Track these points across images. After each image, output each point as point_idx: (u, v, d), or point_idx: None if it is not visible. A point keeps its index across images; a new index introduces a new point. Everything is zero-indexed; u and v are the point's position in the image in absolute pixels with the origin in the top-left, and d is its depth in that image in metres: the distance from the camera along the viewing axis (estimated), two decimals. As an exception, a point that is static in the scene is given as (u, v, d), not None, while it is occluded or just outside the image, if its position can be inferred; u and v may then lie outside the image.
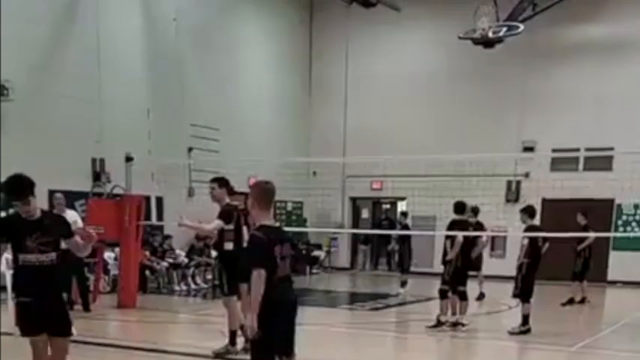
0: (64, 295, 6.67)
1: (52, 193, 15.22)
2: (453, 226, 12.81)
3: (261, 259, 5.97)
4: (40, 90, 16.74)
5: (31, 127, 16.49)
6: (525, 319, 12.63)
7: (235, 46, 22.87)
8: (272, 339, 6.05)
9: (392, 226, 23.02)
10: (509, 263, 14.11)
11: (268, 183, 6.31)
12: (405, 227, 19.38)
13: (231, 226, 10.03)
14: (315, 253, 24.73)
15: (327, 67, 25.81)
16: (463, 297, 12.94)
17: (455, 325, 12.81)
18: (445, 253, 12.85)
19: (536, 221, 13.49)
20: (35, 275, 6.37)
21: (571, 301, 16.84)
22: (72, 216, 13.96)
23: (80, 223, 13.85)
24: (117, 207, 15.09)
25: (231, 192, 10.38)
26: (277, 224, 6.42)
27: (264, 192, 6.19)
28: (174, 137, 19.98)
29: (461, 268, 12.87)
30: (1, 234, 6.54)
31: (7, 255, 8.00)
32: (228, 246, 10.09)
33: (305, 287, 19.78)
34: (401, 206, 25.09)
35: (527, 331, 12.54)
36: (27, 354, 6.50)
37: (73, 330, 6.66)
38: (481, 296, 17.03)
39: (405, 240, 19.01)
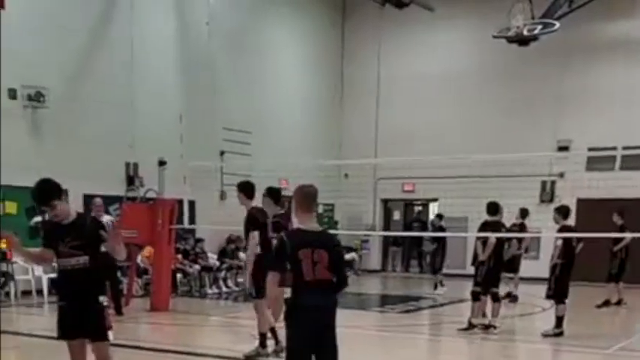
0: (102, 298, 6.46)
1: (87, 197, 15.48)
2: (486, 227, 12.71)
3: (277, 261, 6.09)
4: (74, 96, 17.00)
5: (66, 133, 16.77)
6: (559, 321, 12.46)
7: (267, 49, 22.96)
8: (299, 342, 6.08)
9: (423, 228, 22.94)
10: (543, 264, 13.95)
11: (310, 187, 6.36)
12: (440, 229, 19.29)
13: (256, 232, 10.03)
14: (347, 256, 24.67)
15: (359, 68, 25.81)
16: (496, 299, 12.83)
17: (487, 327, 12.71)
18: (476, 255, 12.75)
19: (571, 221, 13.30)
20: (69, 279, 6.40)
21: (607, 303, 16.61)
22: (107, 220, 14.17)
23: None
24: (150, 211, 15.21)
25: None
26: (318, 229, 6.37)
27: (304, 196, 6.26)
28: (206, 141, 20.11)
29: (494, 270, 12.76)
30: (42, 239, 6.62)
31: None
32: (258, 249, 10.08)
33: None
34: (433, 208, 25.00)
35: (561, 334, 12.39)
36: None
37: (110, 334, 6.51)
38: (513, 299, 16.87)
39: (439, 242, 18.91)
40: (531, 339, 12.55)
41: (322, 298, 6.14)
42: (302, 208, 6.22)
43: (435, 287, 18.71)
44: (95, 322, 6.40)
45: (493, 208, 12.85)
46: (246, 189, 10.26)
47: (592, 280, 17.74)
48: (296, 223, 6.47)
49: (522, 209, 15.94)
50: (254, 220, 10.05)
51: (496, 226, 12.88)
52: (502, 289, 13.68)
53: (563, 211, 12.79)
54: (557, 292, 12.49)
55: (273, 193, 10.33)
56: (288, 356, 6.20)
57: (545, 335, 12.41)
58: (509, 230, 13.90)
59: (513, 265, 16.24)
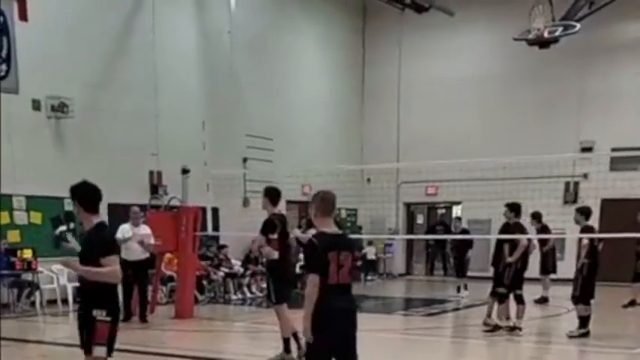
0: (95, 312, 6.13)
1: (111, 206, 15.59)
2: (510, 228, 12.69)
3: (314, 264, 6.18)
4: (98, 106, 17.16)
5: (89, 142, 16.94)
6: (583, 321, 12.41)
7: (288, 55, 23.08)
8: (323, 346, 6.15)
9: (447, 231, 22.90)
10: (568, 265, 13.90)
11: (327, 193, 6.53)
12: (464, 232, 19.29)
13: (275, 236, 10.09)
14: (371, 255, 24.74)
15: (380, 73, 25.86)
16: (520, 301, 12.80)
17: (512, 329, 12.68)
18: (496, 256, 12.76)
19: (592, 221, 13.23)
20: (79, 289, 6.58)
21: (632, 303, 16.49)
22: (145, 229, 14.44)
23: (152, 240, 14.20)
24: (174, 219, 15.32)
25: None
26: (339, 232, 6.55)
27: (322, 201, 6.42)
28: (229, 148, 20.23)
29: (520, 272, 12.76)
30: None
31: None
32: (274, 255, 10.18)
33: (361, 293, 19.81)
34: (456, 211, 24.94)
35: (587, 334, 12.34)
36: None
37: (96, 350, 6.14)
38: (543, 300, 16.81)
39: (461, 245, 18.88)
40: (557, 340, 12.55)
41: (348, 302, 6.33)
42: (322, 213, 6.37)
43: (459, 290, 18.66)
44: (86, 335, 6.25)
45: (517, 209, 12.84)
46: (272, 194, 10.30)
47: (618, 281, 17.62)
48: (317, 227, 6.50)
49: (535, 213, 15.85)
50: (272, 226, 10.12)
51: (522, 228, 12.89)
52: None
53: (584, 212, 12.74)
54: (584, 293, 12.42)
55: (271, 193, 10.32)
56: (309, 356, 6.32)
57: (571, 336, 12.36)
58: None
59: (549, 267, 16.29)
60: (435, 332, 13.92)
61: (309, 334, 6.09)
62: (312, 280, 6.12)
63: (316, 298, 6.09)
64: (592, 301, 12.56)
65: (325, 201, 6.42)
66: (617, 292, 17.14)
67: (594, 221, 21.01)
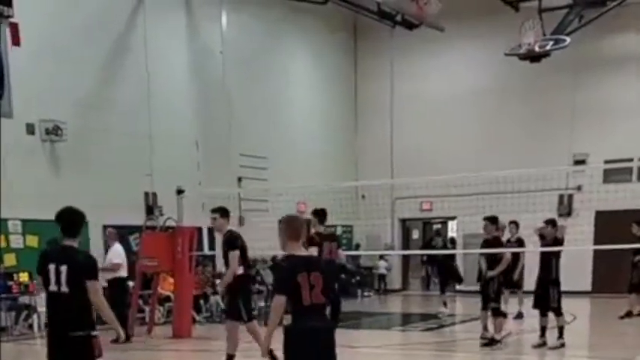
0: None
1: (106, 228, 15.67)
2: (490, 243, 12.81)
3: (282, 286, 6.33)
4: (92, 129, 17.16)
5: (84, 165, 16.95)
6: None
7: (281, 74, 23.16)
8: None
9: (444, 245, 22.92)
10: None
11: (294, 218, 6.72)
12: (444, 248, 19.22)
13: (237, 252, 10.54)
14: (382, 269, 24.85)
15: (373, 89, 25.98)
16: (497, 314, 12.89)
17: (492, 342, 12.76)
18: (481, 272, 12.86)
19: (587, 233, 13.33)
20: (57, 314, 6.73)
21: (629, 314, 16.53)
22: (113, 251, 14.49)
23: (112, 261, 14.28)
24: (170, 239, 15.36)
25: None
26: (308, 254, 6.72)
27: (289, 226, 6.52)
28: (223, 168, 20.26)
29: (501, 286, 12.95)
30: None
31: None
32: (239, 270, 10.58)
33: (358, 310, 19.84)
34: (451, 225, 25.03)
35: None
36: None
37: None
38: (520, 315, 16.77)
39: (440, 260, 18.89)
40: (557, 352, 12.48)
41: (322, 321, 6.41)
42: (290, 238, 6.47)
43: (445, 305, 18.49)
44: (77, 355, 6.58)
45: (497, 222, 12.97)
46: (228, 213, 10.91)
47: (613, 292, 17.67)
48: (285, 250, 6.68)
49: (514, 222, 15.85)
50: (235, 240, 10.58)
51: (501, 242, 13.04)
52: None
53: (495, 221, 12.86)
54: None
55: (227, 213, 10.91)
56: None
57: (553, 348, 12.44)
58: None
59: (518, 281, 16.20)
60: (433, 347, 13.93)
61: (266, 353, 6.38)
62: (278, 301, 6.27)
63: (292, 319, 6.26)
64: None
65: (292, 227, 6.52)
66: (614, 303, 17.18)
67: (590, 232, 21.27)
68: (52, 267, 6.50)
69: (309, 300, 6.25)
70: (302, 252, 6.53)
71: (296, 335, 6.23)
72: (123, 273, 14.52)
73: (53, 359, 6.58)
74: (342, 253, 12.58)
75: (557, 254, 12.56)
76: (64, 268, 6.43)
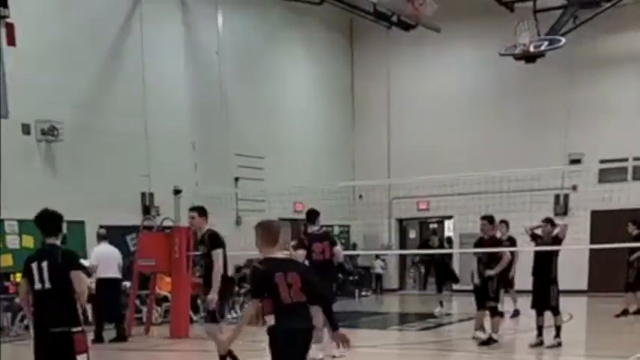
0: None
1: (103, 228, 15.66)
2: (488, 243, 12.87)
3: (258, 290, 6.47)
4: (88, 129, 17.15)
5: (81, 165, 16.92)
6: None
7: (277, 75, 23.18)
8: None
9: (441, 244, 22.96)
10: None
11: (270, 223, 6.74)
12: (441, 247, 19.25)
13: (221, 250, 10.27)
14: (378, 268, 24.87)
15: (369, 90, 26.02)
16: (495, 313, 12.97)
17: (489, 341, 12.81)
18: (473, 273, 12.95)
19: (583, 232, 13.41)
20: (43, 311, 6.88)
21: (625, 312, 16.59)
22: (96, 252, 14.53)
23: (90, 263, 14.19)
24: (167, 239, 15.36)
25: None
26: (284, 256, 6.79)
27: (265, 230, 6.59)
28: (220, 168, 20.29)
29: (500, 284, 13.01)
30: None
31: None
32: (270, 320, 9.95)
33: (355, 309, 19.86)
34: (448, 225, 25.08)
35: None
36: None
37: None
38: (516, 313, 16.81)
39: (437, 260, 18.92)
40: (553, 351, 12.51)
41: (301, 321, 6.48)
42: (265, 243, 6.54)
43: (441, 305, 18.51)
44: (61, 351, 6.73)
45: (494, 222, 13.04)
46: (206, 213, 10.57)
47: (610, 291, 17.71)
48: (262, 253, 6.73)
49: (504, 221, 15.82)
50: (218, 239, 10.30)
51: (499, 241, 13.09)
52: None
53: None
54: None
55: (205, 212, 10.58)
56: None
57: (551, 346, 12.47)
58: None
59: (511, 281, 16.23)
60: (430, 346, 13.96)
61: (225, 351, 6.75)
62: (253, 304, 6.49)
63: (274, 320, 6.33)
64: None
65: (268, 231, 6.59)
66: (610, 302, 17.22)
67: (585, 232, 21.31)
68: (34, 266, 6.69)
69: (289, 299, 6.34)
70: (278, 255, 6.58)
71: (280, 335, 6.34)
72: (103, 274, 14.40)
73: (38, 355, 6.71)
74: (340, 252, 12.27)
75: (557, 253, 12.59)
76: (44, 265, 6.63)
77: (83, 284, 6.74)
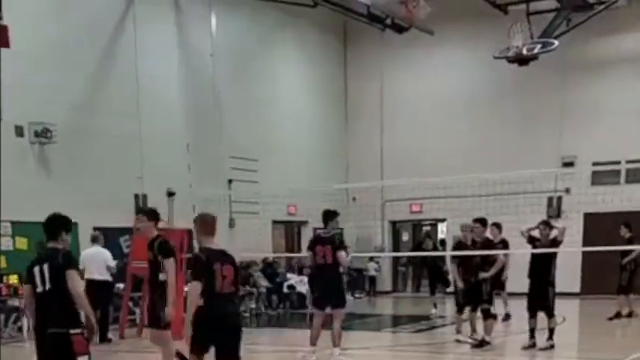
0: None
1: (97, 230, 15.64)
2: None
3: (198, 273, 7.28)
4: (81, 131, 17.11)
5: (74, 167, 16.89)
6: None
7: (271, 77, 23.18)
8: (204, 344, 7.36)
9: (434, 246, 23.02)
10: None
11: (206, 215, 7.70)
12: (435, 250, 19.29)
13: (172, 259, 9.60)
14: (371, 271, 24.91)
15: (363, 92, 26.05)
16: (489, 315, 13.01)
17: (482, 344, 12.84)
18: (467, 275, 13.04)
19: (576, 234, 13.45)
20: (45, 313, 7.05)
21: (618, 315, 16.63)
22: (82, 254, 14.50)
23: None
24: (160, 241, 15.30)
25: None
26: (220, 248, 7.58)
27: (204, 222, 7.60)
28: (214, 170, 20.26)
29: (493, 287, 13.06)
30: None
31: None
32: (163, 277, 9.50)
33: (348, 311, 19.81)
34: (441, 227, 25.11)
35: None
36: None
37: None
38: (507, 317, 16.83)
39: (430, 263, 18.96)
40: (544, 354, 12.54)
41: (232, 308, 7.57)
42: (203, 233, 7.51)
43: (435, 306, 18.52)
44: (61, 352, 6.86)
45: (486, 224, 13.10)
46: (155, 215, 10.09)
47: (602, 293, 17.76)
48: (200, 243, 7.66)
49: (495, 224, 15.80)
50: (170, 248, 9.74)
51: (491, 244, 13.14)
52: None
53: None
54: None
55: (153, 215, 10.07)
56: (193, 345, 7.41)
57: (544, 349, 12.51)
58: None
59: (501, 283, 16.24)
60: (423, 348, 13.96)
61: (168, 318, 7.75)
62: (195, 287, 7.20)
63: (204, 304, 7.21)
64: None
65: (205, 223, 7.58)
66: (602, 304, 17.27)
67: (578, 234, 21.36)
68: (36, 269, 6.85)
69: (221, 288, 7.21)
70: (215, 245, 7.44)
71: (208, 318, 7.15)
72: (88, 275, 14.29)
73: (40, 356, 6.88)
74: (343, 257, 11.70)
75: (555, 255, 12.62)
76: (45, 267, 6.78)
77: (77, 284, 6.81)
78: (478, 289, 12.82)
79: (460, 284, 13.06)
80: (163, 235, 9.96)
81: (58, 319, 6.70)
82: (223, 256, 7.39)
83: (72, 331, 6.69)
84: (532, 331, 12.67)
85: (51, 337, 6.69)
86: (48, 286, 6.73)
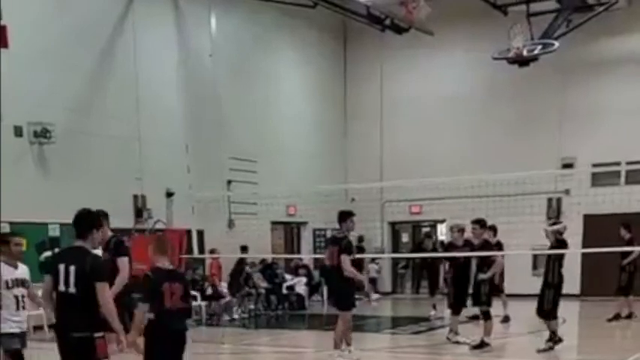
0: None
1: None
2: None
3: (148, 296, 7.67)
4: (80, 131, 17.13)
5: (73, 167, 16.89)
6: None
7: (270, 78, 23.17)
8: (158, 357, 7.73)
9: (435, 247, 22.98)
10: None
11: (162, 235, 8.52)
12: (434, 251, 19.27)
13: (126, 258, 9.77)
14: (373, 273, 24.87)
15: (362, 93, 26.03)
16: (488, 317, 12.99)
17: (481, 345, 12.82)
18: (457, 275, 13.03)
19: (576, 237, 13.42)
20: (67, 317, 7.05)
21: (617, 317, 16.61)
22: None
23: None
24: (159, 242, 15.28)
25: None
26: (170, 267, 8.08)
27: (159, 242, 8.25)
28: (213, 171, 20.25)
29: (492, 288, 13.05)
30: None
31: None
32: (149, 316, 9.42)
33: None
34: (441, 229, 25.07)
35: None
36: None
37: None
38: (506, 319, 16.77)
39: (429, 264, 18.95)
40: (545, 356, 12.51)
41: (181, 324, 7.83)
42: (158, 252, 7.98)
43: (434, 308, 18.50)
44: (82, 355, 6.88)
45: (486, 226, 13.09)
46: (106, 217, 9.81)
47: (602, 295, 17.73)
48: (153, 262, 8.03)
49: (491, 226, 15.68)
50: (124, 247, 9.87)
51: (491, 245, 13.12)
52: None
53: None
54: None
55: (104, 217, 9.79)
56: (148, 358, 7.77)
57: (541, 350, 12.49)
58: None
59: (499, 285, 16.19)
60: (422, 350, 13.96)
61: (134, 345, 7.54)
62: (142, 308, 7.60)
63: (155, 320, 7.64)
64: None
65: (160, 243, 8.18)
66: (602, 306, 17.24)
67: (578, 236, 21.34)
68: (61, 267, 6.73)
69: (170, 304, 7.63)
70: (166, 265, 7.93)
71: (158, 333, 7.58)
72: None
73: (63, 357, 6.83)
74: (345, 261, 11.47)
75: (552, 257, 12.60)
76: (72, 269, 6.66)
77: (108, 300, 6.78)
78: (478, 290, 12.84)
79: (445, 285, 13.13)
80: (118, 236, 10.12)
81: (83, 323, 6.68)
82: (173, 276, 7.95)
83: (96, 335, 6.71)
84: (553, 334, 12.59)
85: (75, 340, 6.67)
86: (72, 290, 6.66)
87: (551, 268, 12.51)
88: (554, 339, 12.51)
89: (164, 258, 7.97)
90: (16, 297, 7.93)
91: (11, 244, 8.14)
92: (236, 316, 18.83)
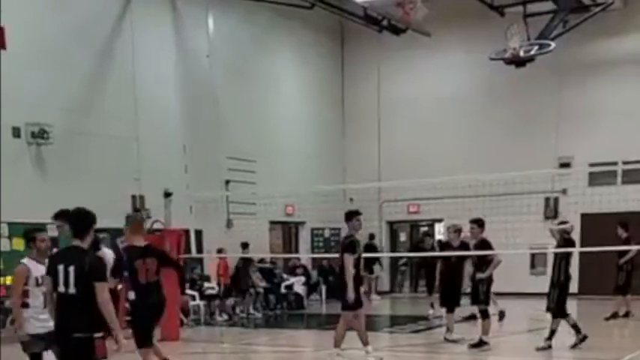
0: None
1: (94, 231, 15.55)
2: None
3: (116, 271, 8.86)
4: (78, 132, 17.11)
5: (71, 168, 16.87)
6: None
7: (268, 78, 23.19)
8: (147, 332, 8.95)
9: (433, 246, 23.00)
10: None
11: (138, 214, 9.51)
12: (432, 249, 19.30)
13: (125, 273, 9.57)
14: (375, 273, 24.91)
15: (360, 93, 26.06)
16: (486, 315, 13.08)
17: (480, 344, 12.86)
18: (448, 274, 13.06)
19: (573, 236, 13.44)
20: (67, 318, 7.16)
21: (615, 316, 16.67)
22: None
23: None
24: (157, 242, 15.23)
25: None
26: (144, 244, 9.06)
27: (135, 222, 9.37)
28: (211, 171, 20.27)
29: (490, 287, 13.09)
30: None
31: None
32: (131, 295, 9.61)
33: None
34: (439, 228, 25.12)
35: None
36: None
37: None
38: (502, 315, 16.80)
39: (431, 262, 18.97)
40: (544, 354, 12.55)
41: (156, 296, 8.82)
42: (133, 232, 9.01)
43: (432, 307, 18.52)
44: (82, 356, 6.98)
45: (483, 225, 13.14)
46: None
47: (599, 293, 17.78)
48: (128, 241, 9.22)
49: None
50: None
51: (489, 244, 13.16)
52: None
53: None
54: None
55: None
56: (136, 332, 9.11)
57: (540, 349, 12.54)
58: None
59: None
60: (420, 349, 14.00)
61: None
62: (111, 282, 8.14)
63: (134, 295, 8.89)
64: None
65: (136, 223, 9.27)
66: (600, 305, 17.28)
67: (575, 235, 21.37)
68: (60, 268, 6.71)
69: (145, 279, 8.54)
70: (140, 243, 8.80)
71: (140, 307, 8.62)
72: None
73: (62, 358, 6.92)
74: (345, 261, 11.46)
75: (557, 256, 12.68)
76: (71, 269, 6.65)
77: (107, 300, 6.71)
78: (476, 289, 12.91)
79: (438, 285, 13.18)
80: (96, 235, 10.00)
81: (83, 323, 6.67)
82: (147, 252, 8.76)
83: (95, 335, 6.71)
84: (575, 328, 12.69)
85: (75, 341, 6.67)
86: (72, 291, 6.65)
87: (557, 266, 12.58)
88: (580, 336, 12.60)
89: (138, 237, 8.75)
90: (44, 294, 7.74)
91: (37, 240, 8.09)
92: (234, 316, 18.85)
